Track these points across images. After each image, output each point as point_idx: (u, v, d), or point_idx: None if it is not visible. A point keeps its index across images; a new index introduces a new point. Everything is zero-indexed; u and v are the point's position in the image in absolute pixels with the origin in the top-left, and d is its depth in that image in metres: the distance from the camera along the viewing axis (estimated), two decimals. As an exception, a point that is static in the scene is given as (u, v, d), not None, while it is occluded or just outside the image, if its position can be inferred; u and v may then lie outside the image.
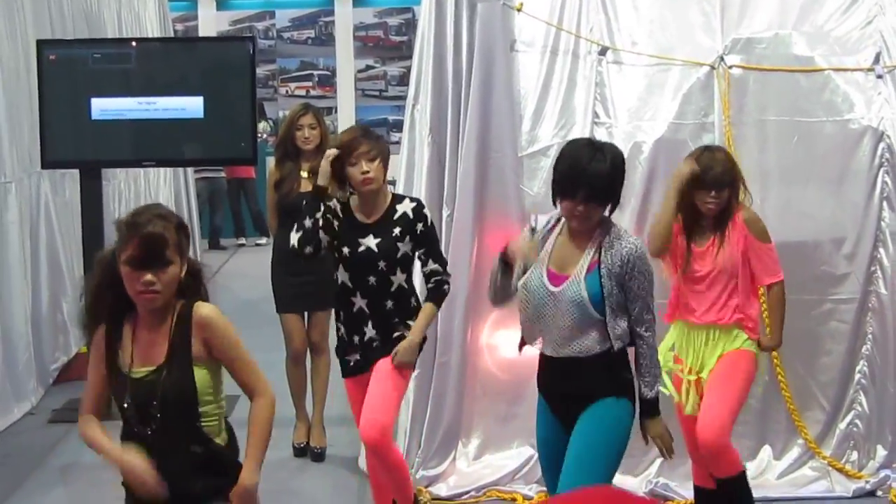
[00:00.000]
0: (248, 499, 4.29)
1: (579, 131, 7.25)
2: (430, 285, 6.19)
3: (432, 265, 6.18)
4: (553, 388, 5.27)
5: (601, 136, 7.17)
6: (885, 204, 7.36)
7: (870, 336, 7.42)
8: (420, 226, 6.12)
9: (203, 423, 4.30)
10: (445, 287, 6.20)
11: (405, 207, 6.13)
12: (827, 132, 7.35)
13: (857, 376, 7.44)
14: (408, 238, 6.09)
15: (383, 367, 6.03)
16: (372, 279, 6.04)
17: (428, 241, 6.17)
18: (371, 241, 6.05)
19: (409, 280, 6.18)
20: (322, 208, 6.05)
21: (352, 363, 6.21)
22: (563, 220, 5.22)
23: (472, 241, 7.37)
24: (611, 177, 5.06)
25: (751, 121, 7.30)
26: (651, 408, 5.24)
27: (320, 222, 6.04)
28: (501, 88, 7.40)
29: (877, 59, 7.37)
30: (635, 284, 5.09)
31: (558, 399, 5.25)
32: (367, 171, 5.96)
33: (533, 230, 5.31)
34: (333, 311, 6.30)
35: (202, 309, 4.29)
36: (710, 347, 6.17)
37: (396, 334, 6.10)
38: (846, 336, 7.38)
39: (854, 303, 7.36)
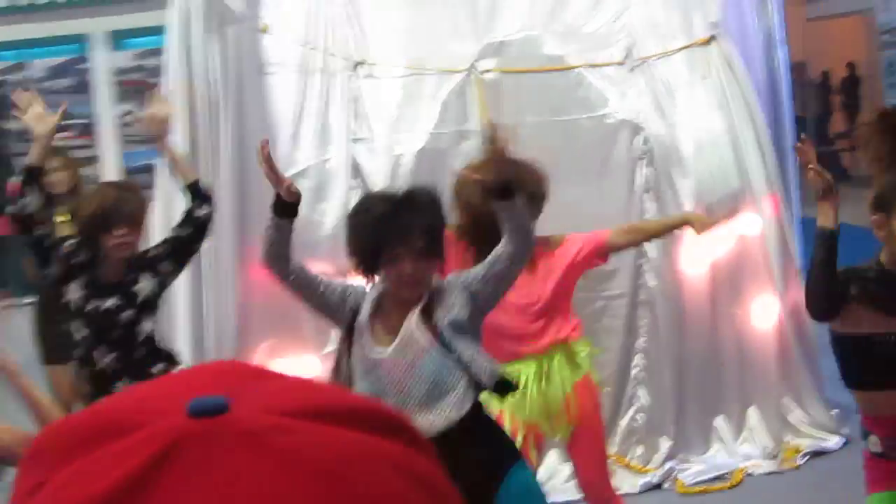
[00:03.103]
0: None
1: (337, 150, 7.15)
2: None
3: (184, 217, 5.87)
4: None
5: (360, 152, 7.15)
6: (646, 196, 7.40)
7: (643, 329, 7.44)
8: (152, 248, 5.85)
9: None
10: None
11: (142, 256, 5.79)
12: (584, 128, 7.38)
13: (634, 370, 7.45)
14: (149, 275, 5.70)
15: None
16: (117, 333, 5.61)
17: (169, 237, 5.89)
18: (115, 300, 5.61)
19: (154, 328, 5.78)
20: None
21: None
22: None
23: (235, 275, 7.10)
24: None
25: (509, 124, 7.20)
26: None
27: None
28: (255, 113, 7.21)
29: (627, 54, 7.42)
30: (473, 272, 4.60)
31: None
32: (124, 234, 5.51)
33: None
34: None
35: None
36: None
37: None
38: (620, 332, 7.40)
39: (625, 298, 7.39)
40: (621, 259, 7.27)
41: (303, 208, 6.60)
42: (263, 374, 1.13)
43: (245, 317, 7.10)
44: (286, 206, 4.59)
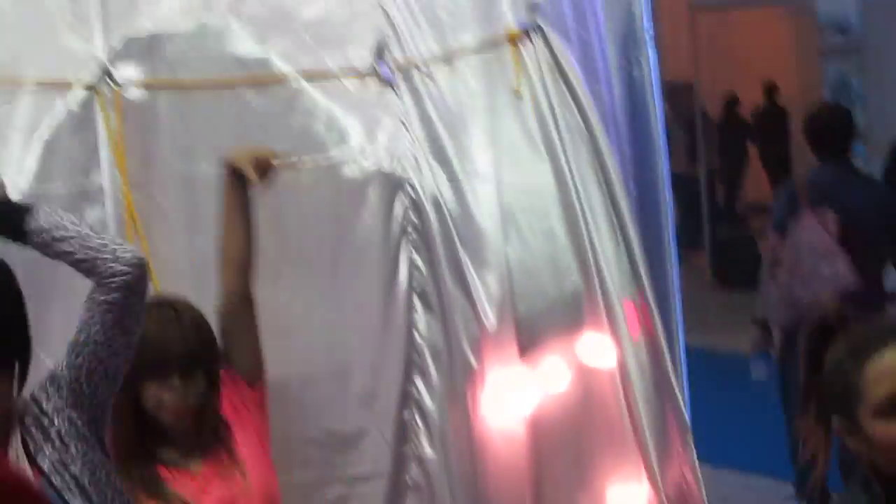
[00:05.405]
0: None
1: None
2: None
3: None
4: None
5: None
6: (416, 301, 4.56)
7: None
8: None
9: None
10: None
11: None
12: (304, 184, 4.55)
13: None
14: None
15: None
16: None
17: None
18: None
19: None
20: None
21: None
22: None
23: None
24: None
25: (170, 178, 4.45)
26: None
27: None
28: None
29: (380, 54, 4.61)
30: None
31: None
32: None
33: None
34: None
35: None
36: None
37: None
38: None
39: (382, 480, 4.44)
40: (374, 410, 4.50)
41: None
42: None
43: None
44: None
